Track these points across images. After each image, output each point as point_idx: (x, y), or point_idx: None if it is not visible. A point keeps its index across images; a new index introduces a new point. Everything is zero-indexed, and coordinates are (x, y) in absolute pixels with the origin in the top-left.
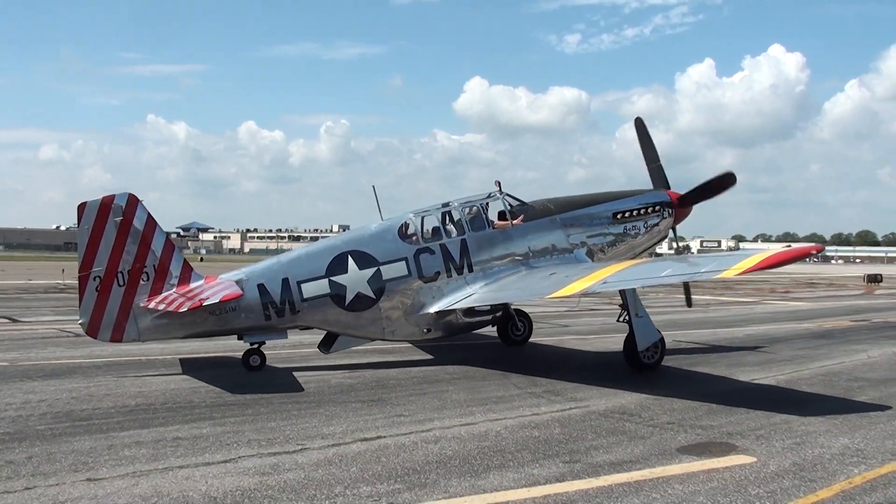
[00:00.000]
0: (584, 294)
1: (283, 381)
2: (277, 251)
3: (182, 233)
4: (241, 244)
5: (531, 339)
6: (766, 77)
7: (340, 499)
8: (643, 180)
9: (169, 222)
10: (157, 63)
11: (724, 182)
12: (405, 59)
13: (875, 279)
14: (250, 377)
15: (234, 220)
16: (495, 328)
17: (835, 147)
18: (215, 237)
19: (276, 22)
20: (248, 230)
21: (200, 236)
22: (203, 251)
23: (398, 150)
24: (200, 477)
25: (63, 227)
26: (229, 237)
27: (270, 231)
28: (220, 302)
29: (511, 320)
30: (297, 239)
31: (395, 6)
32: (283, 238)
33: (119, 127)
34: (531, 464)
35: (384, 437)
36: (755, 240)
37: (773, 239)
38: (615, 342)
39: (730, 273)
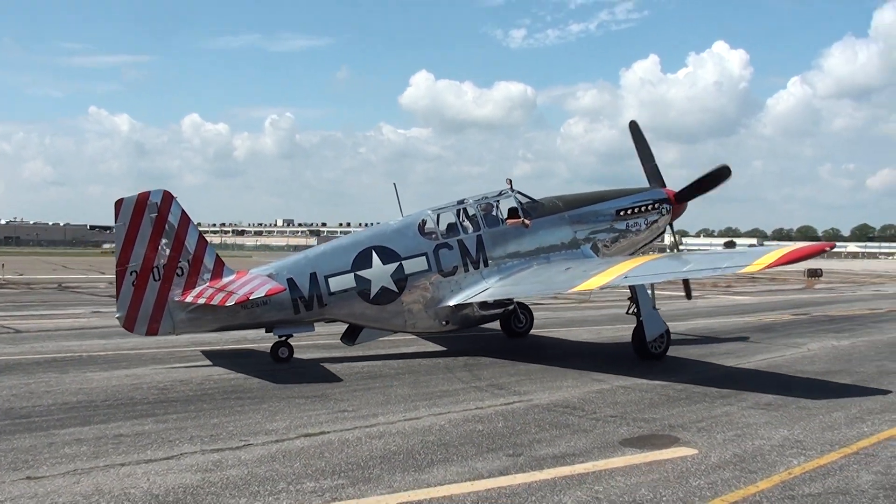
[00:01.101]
0: (604, 288)
1: (226, 377)
2: (220, 246)
3: None
4: None
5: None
6: (710, 74)
7: (284, 495)
8: (588, 175)
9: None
10: (100, 54)
11: (718, 176)
12: (351, 51)
13: (815, 274)
14: (191, 373)
15: None
16: (497, 320)
17: (777, 143)
18: None
19: (221, 13)
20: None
21: None
22: None
23: (343, 143)
24: (142, 474)
25: (3, 221)
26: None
27: (214, 225)
28: (266, 295)
29: (514, 313)
30: (242, 233)
31: None
32: (227, 232)
33: (61, 119)
34: (475, 457)
35: (328, 432)
36: (697, 235)
37: (716, 234)
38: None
39: (753, 268)
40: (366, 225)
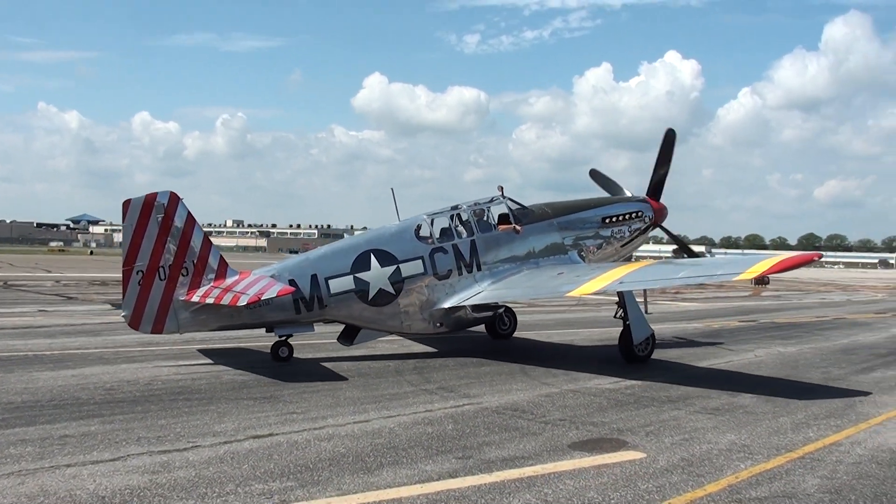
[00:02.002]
0: (599, 293)
1: (174, 378)
2: None
3: (72, 225)
4: None
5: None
6: (662, 83)
7: (232, 497)
8: (539, 181)
9: (58, 214)
10: (50, 49)
11: (667, 141)
12: (304, 53)
13: (762, 281)
14: (138, 374)
15: None
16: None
17: (727, 153)
18: (106, 230)
19: (173, 10)
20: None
21: (91, 229)
22: (94, 244)
23: (295, 144)
24: (88, 476)
25: None
26: (120, 230)
27: None
28: (277, 296)
29: (500, 316)
30: None
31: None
32: None
33: (9, 114)
34: (424, 460)
35: (276, 434)
36: (647, 242)
37: (665, 241)
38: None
39: (745, 276)
40: (317, 227)
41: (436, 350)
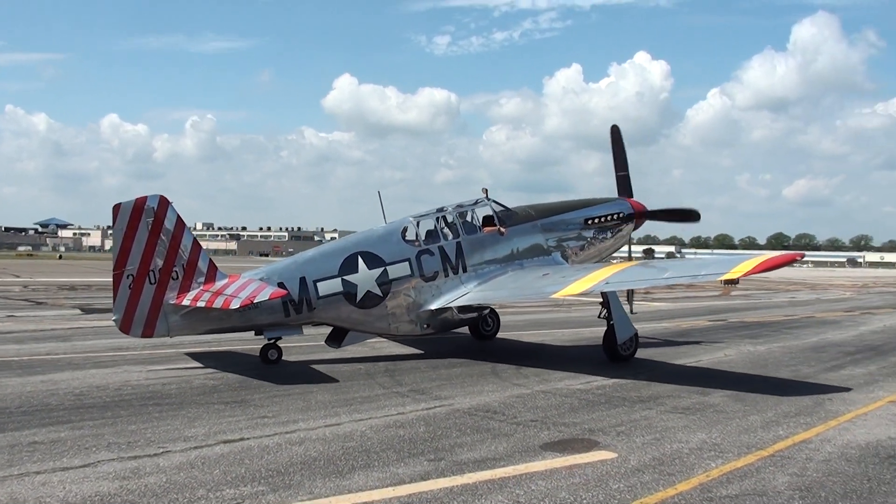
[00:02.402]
0: (585, 294)
1: (144, 383)
2: None
3: (40, 229)
4: (102, 242)
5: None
6: (632, 84)
7: (203, 502)
8: (510, 182)
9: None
10: (17, 51)
11: (688, 215)
12: (274, 54)
13: (731, 281)
14: (108, 379)
15: (94, 217)
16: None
17: (696, 153)
18: (75, 234)
19: (141, 12)
20: (108, 227)
21: (59, 233)
22: (62, 248)
23: (265, 147)
24: (58, 482)
25: None
26: (89, 234)
27: None
28: (269, 299)
29: (484, 317)
30: None
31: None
32: None
33: None
34: (396, 463)
35: (247, 438)
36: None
37: (634, 241)
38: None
39: (731, 275)
40: (287, 229)
41: (407, 352)
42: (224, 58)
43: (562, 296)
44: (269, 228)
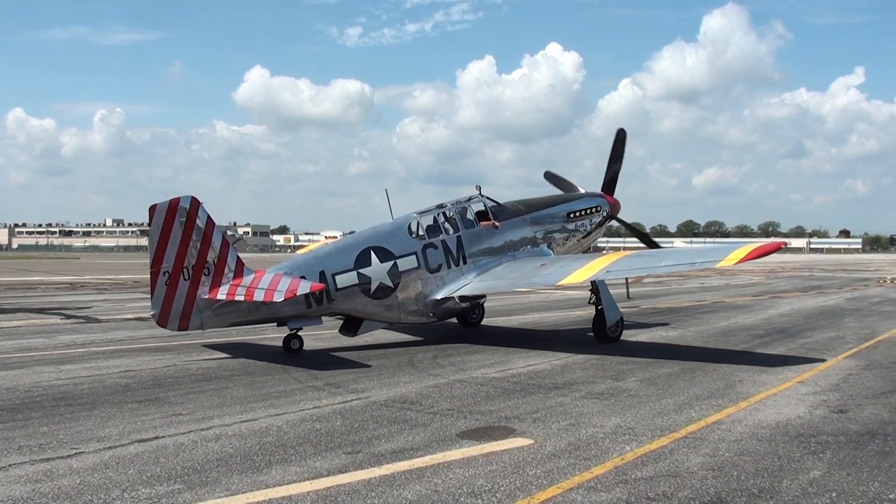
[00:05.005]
0: (588, 281)
1: (55, 384)
2: (47, 246)
3: None
4: (9, 239)
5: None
6: (545, 75)
7: (118, 502)
8: (424, 174)
9: None
10: None
11: (618, 140)
12: (184, 46)
13: None
14: (18, 381)
15: (0, 215)
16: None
17: (609, 143)
18: None
19: (46, 3)
20: (16, 225)
21: None
22: None
23: (175, 140)
24: None
25: None
26: None
27: (41, 226)
28: (310, 291)
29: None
30: (69, 234)
31: None
32: (53, 233)
33: None
34: (313, 457)
35: (162, 437)
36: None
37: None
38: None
39: (725, 263)
40: None
41: (323, 346)
42: (132, 50)
43: (565, 284)
44: None
